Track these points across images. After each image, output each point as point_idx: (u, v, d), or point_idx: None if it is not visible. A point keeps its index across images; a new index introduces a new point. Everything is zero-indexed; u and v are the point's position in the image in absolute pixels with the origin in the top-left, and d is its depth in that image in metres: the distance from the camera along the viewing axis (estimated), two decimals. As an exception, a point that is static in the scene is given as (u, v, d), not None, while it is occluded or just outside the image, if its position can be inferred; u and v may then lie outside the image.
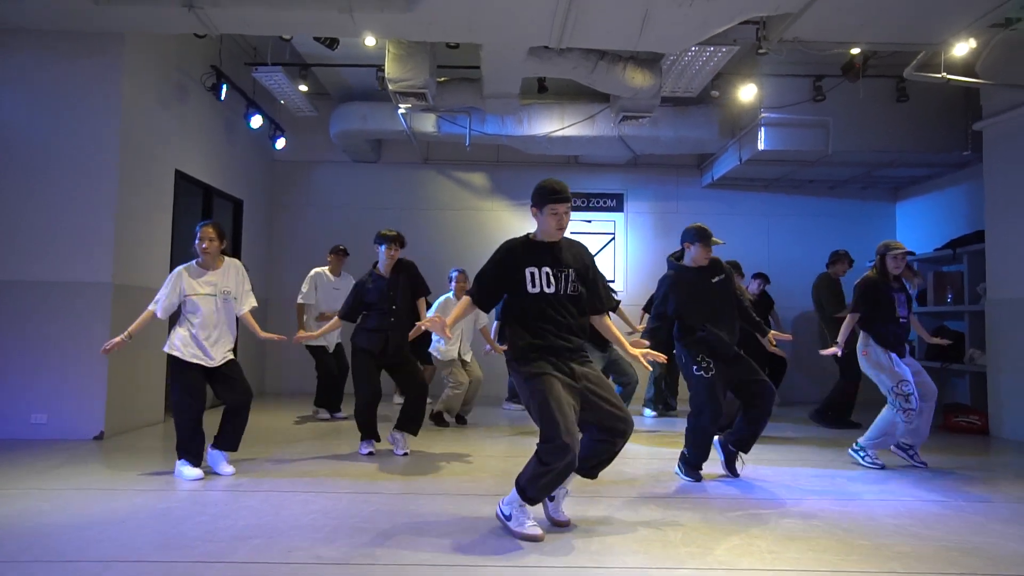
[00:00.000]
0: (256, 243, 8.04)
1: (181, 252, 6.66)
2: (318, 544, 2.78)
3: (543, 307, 2.98)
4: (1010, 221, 5.92)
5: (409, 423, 4.69)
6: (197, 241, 4.00)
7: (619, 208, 8.81)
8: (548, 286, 2.98)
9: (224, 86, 6.31)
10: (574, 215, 8.70)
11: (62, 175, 5.14)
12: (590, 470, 3.06)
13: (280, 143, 7.79)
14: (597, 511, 3.39)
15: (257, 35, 6.48)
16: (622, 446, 3.02)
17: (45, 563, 2.54)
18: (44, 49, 5.15)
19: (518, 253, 3.06)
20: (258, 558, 2.61)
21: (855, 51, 5.25)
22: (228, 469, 3.98)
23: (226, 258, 4.14)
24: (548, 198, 3.03)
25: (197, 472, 3.84)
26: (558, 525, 3.07)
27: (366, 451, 4.66)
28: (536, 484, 2.87)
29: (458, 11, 4.43)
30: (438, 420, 5.96)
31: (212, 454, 4.01)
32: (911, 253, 4.51)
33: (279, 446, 4.92)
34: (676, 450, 4.45)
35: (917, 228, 8.40)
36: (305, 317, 6.24)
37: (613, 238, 8.82)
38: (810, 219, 8.69)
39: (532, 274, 2.97)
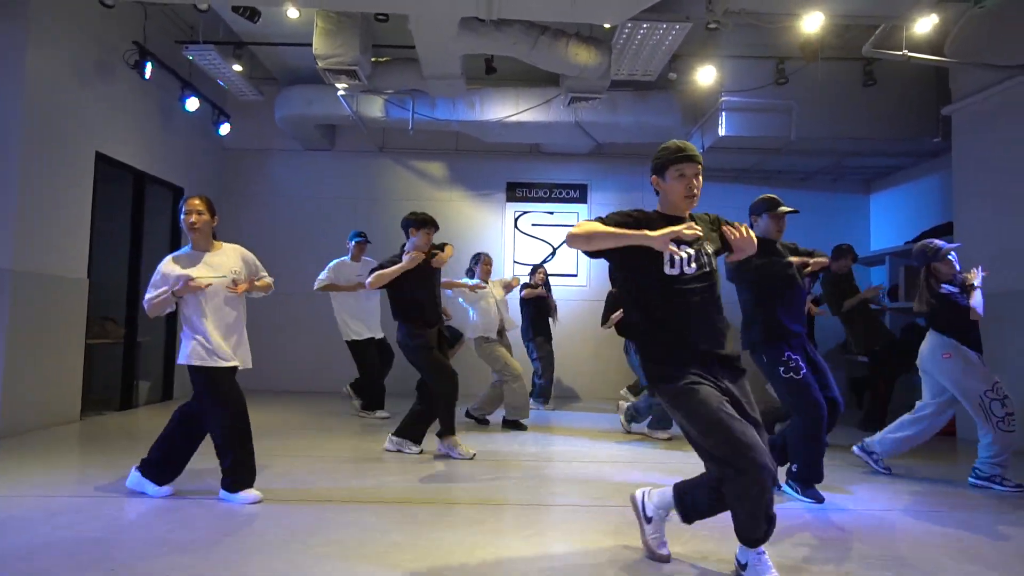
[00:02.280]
0: (199, 233, 7.67)
1: (114, 241, 6.34)
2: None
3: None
4: (977, 210, 5.60)
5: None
6: (183, 216, 3.27)
7: (583, 199, 8.47)
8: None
9: (148, 63, 5.93)
10: (535, 207, 8.49)
11: (-41, 153, 4.78)
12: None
13: (224, 128, 7.43)
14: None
15: (177, 5, 6.09)
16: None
17: None
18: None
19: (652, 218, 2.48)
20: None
21: (810, 26, 4.90)
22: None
23: (224, 243, 3.44)
24: (673, 157, 2.47)
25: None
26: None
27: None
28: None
29: (373, -25, 4.09)
30: (516, 426, 5.54)
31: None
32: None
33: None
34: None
35: (891, 221, 8.08)
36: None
37: (576, 230, 8.47)
38: (781, 212, 8.35)
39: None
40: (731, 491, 2.23)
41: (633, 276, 2.45)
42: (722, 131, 6.59)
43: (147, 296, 3.23)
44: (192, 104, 6.64)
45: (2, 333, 4.73)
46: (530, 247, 8.38)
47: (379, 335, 6.17)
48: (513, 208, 8.45)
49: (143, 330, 6.56)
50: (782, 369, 3.37)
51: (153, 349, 6.91)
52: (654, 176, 2.56)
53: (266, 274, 3.53)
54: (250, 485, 3.23)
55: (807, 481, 3.43)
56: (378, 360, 6.12)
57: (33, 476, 3.60)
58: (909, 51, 5.02)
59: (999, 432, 3.78)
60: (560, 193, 8.47)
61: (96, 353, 5.99)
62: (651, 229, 2.34)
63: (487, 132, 7.40)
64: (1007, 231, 5.25)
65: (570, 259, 8.40)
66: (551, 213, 8.46)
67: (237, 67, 6.49)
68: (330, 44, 5.22)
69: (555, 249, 8.38)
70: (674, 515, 2.52)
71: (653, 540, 2.54)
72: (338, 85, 5.94)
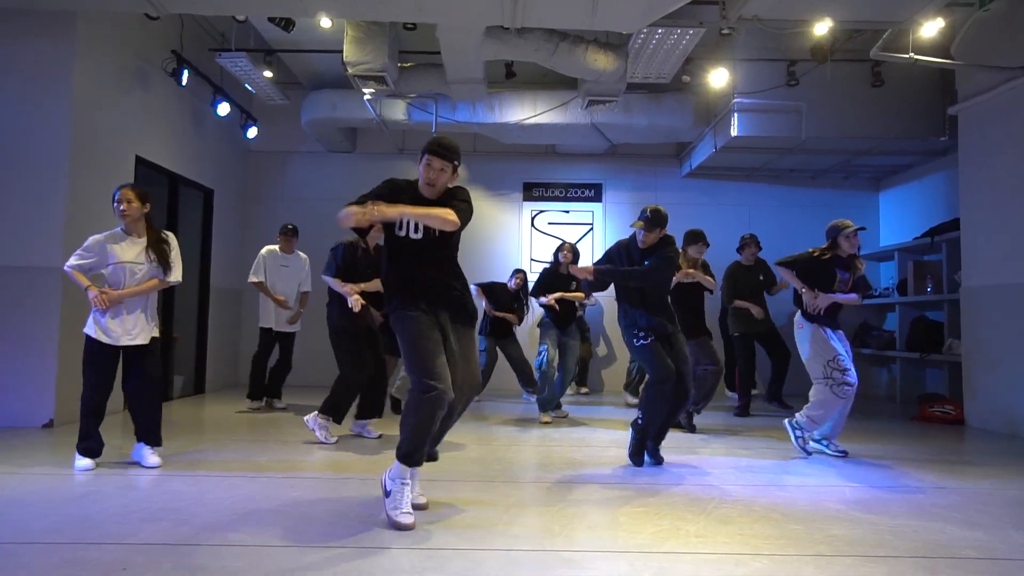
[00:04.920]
0: (228, 233, 7.96)
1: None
2: (227, 527, 2.68)
3: None
4: (984, 207, 5.79)
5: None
6: (115, 204, 3.64)
7: (597, 198, 8.70)
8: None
9: (185, 71, 6.22)
10: (549, 205, 8.73)
11: (11, 158, 5.05)
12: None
13: (252, 132, 7.71)
14: (525, 493, 3.28)
15: (206, 15, 6.35)
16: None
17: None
18: (-4, 31, 5.08)
19: None
20: (159, 539, 2.52)
21: (820, 31, 5.12)
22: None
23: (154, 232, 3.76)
24: (424, 148, 2.94)
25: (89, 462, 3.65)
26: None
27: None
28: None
29: (405, -12, 4.34)
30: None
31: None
32: (863, 228, 4.32)
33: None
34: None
35: (900, 218, 8.26)
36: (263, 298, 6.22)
37: (591, 228, 8.71)
38: (792, 209, 8.54)
39: None
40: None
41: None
42: (734, 131, 6.80)
43: (72, 262, 3.62)
44: (223, 109, 6.92)
45: (55, 329, 5.02)
46: (547, 245, 8.61)
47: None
48: (530, 207, 8.69)
49: (176, 327, 6.85)
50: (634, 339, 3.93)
51: (185, 345, 7.20)
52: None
53: (171, 273, 3.74)
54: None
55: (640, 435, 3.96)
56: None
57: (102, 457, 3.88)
58: (915, 54, 5.22)
59: (829, 392, 4.18)
60: (575, 192, 8.70)
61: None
62: (404, 197, 2.85)
63: (505, 134, 7.64)
64: (1014, 226, 5.43)
65: (586, 255, 8.62)
66: (567, 212, 8.69)
67: (268, 73, 6.76)
68: (360, 51, 5.47)
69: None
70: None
71: (392, 512, 2.70)
72: (365, 90, 6.19)
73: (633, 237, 4.11)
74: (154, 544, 2.47)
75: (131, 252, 3.67)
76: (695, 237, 5.21)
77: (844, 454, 4.30)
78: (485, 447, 4.52)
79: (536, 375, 5.87)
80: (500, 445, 4.60)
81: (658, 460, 4.02)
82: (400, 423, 2.81)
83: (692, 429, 5.13)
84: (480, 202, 8.63)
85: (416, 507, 2.89)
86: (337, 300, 4.63)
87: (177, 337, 6.88)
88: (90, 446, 3.69)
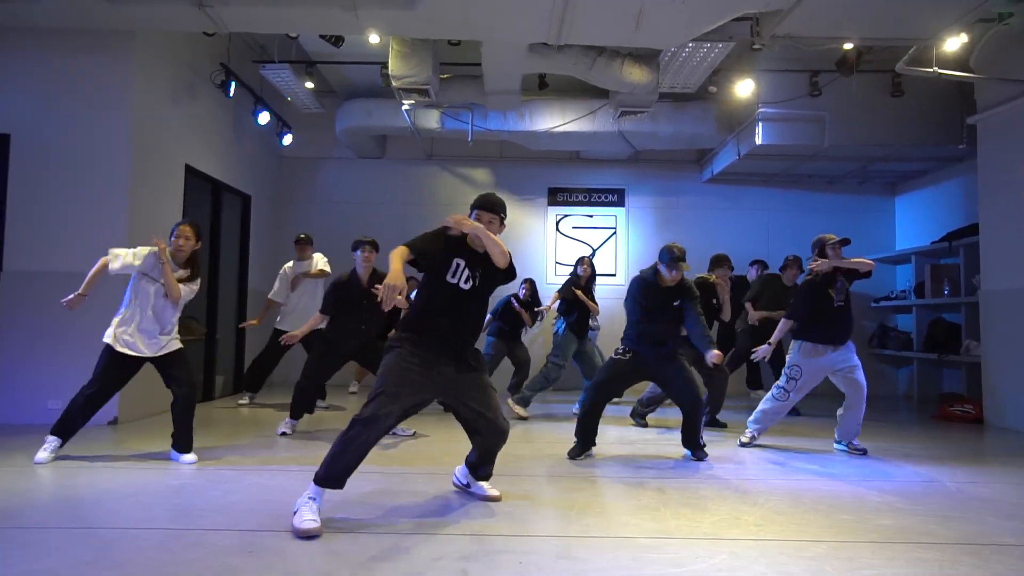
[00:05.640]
0: (263, 238, 8.20)
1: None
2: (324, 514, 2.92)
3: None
4: (1003, 213, 6.01)
5: None
6: (173, 239, 4.02)
7: (620, 203, 8.93)
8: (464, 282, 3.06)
9: (233, 83, 6.46)
10: (575, 210, 8.97)
11: (77, 169, 5.30)
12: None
13: (287, 139, 7.95)
14: (587, 487, 3.52)
15: (264, 33, 6.61)
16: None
17: (69, 530, 2.69)
18: (58, 47, 5.31)
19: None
20: (269, 527, 2.75)
21: (848, 46, 5.35)
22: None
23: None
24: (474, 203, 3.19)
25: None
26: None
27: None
28: None
29: (457, 9, 4.56)
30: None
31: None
32: (847, 242, 4.50)
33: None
34: (711, 434, 4.56)
35: (916, 222, 8.48)
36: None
37: (615, 232, 8.94)
38: (809, 214, 8.77)
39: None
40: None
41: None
42: (759, 140, 7.03)
43: (115, 265, 3.92)
44: (264, 118, 7.16)
45: (118, 331, 5.25)
46: (571, 249, 8.85)
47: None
48: (554, 212, 8.93)
49: (218, 329, 7.08)
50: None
51: (225, 345, 7.44)
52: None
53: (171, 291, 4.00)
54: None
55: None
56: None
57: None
58: (938, 67, 5.44)
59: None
60: (599, 197, 8.93)
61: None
62: (456, 248, 3.09)
63: (534, 141, 7.88)
64: (1031, 233, 5.65)
65: (608, 259, 8.86)
66: (590, 216, 8.92)
67: (309, 84, 7.00)
68: (405, 65, 5.71)
69: (595, 250, 8.84)
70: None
71: (296, 523, 2.69)
72: (405, 101, 6.42)
73: (653, 272, 4.28)
74: (266, 531, 2.70)
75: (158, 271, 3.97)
76: (719, 261, 5.50)
77: (863, 452, 4.53)
78: (536, 444, 4.75)
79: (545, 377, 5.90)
80: (545, 442, 4.83)
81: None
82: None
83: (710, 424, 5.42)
84: (506, 206, 8.87)
85: (489, 498, 3.19)
86: (334, 320, 4.94)
87: (218, 339, 7.11)
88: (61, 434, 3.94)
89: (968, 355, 6.69)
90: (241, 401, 6.59)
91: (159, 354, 4.01)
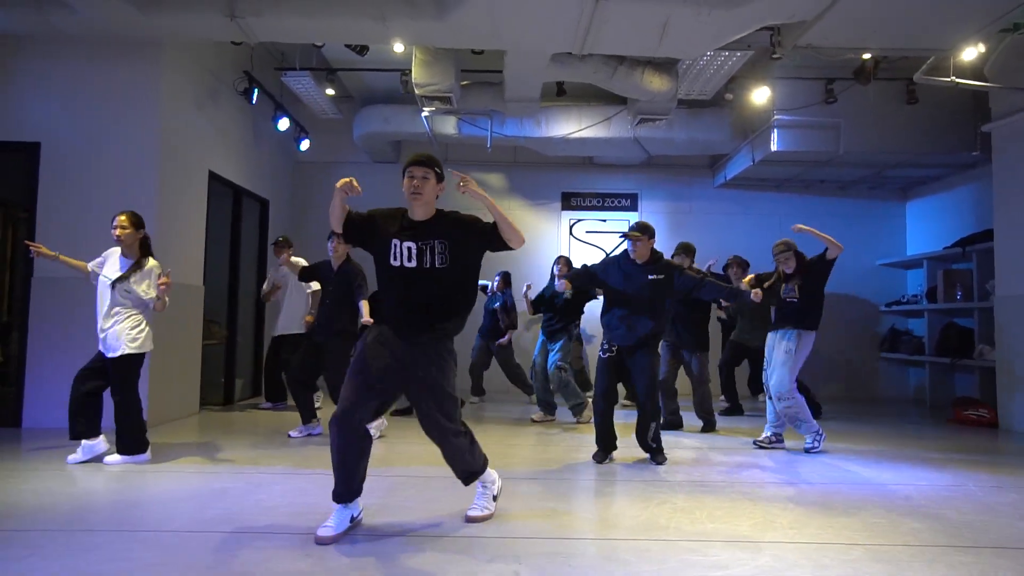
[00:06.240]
0: (281, 242, 8.26)
1: (216, 250, 6.92)
2: (374, 516, 2.99)
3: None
4: (1018, 219, 6.09)
5: None
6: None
7: (633, 207, 9.00)
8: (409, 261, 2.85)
9: (256, 90, 6.54)
10: (588, 215, 9.04)
11: (106, 175, 5.37)
12: None
13: (304, 145, 8.01)
14: (629, 490, 3.59)
15: (291, 42, 6.68)
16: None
17: (132, 533, 2.76)
18: (87, 56, 5.39)
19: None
20: (314, 530, 2.82)
21: (866, 56, 5.42)
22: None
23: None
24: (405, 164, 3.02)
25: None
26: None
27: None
28: None
29: (487, 20, 4.64)
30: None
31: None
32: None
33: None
34: (734, 439, 4.64)
35: (927, 227, 8.55)
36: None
37: (627, 237, 9.00)
38: (821, 219, 8.77)
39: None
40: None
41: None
42: (774, 147, 7.11)
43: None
44: (283, 124, 7.23)
45: (147, 335, 5.32)
46: (585, 253, 8.92)
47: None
48: (568, 216, 9.00)
49: (238, 332, 7.16)
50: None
51: (244, 349, 7.51)
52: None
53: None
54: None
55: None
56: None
57: (213, 456, 4.19)
58: (956, 77, 5.52)
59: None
60: (612, 202, 9.00)
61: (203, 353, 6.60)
62: (392, 223, 2.96)
63: (550, 147, 7.95)
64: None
65: (622, 264, 8.93)
66: (604, 220, 8.99)
67: (330, 91, 7.08)
68: (429, 73, 5.78)
69: (608, 254, 8.91)
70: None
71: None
72: (426, 108, 6.50)
73: (624, 254, 4.40)
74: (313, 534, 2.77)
75: (112, 269, 4.12)
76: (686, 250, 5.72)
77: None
78: (559, 448, 4.83)
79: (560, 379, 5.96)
80: (568, 448, 4.90)
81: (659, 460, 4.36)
82: None
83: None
84: (520, 211, 8.95)
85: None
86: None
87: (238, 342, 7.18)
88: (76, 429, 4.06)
89: (982, 359, 6.76)
90: (265, 406, 6.68)
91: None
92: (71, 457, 4.03)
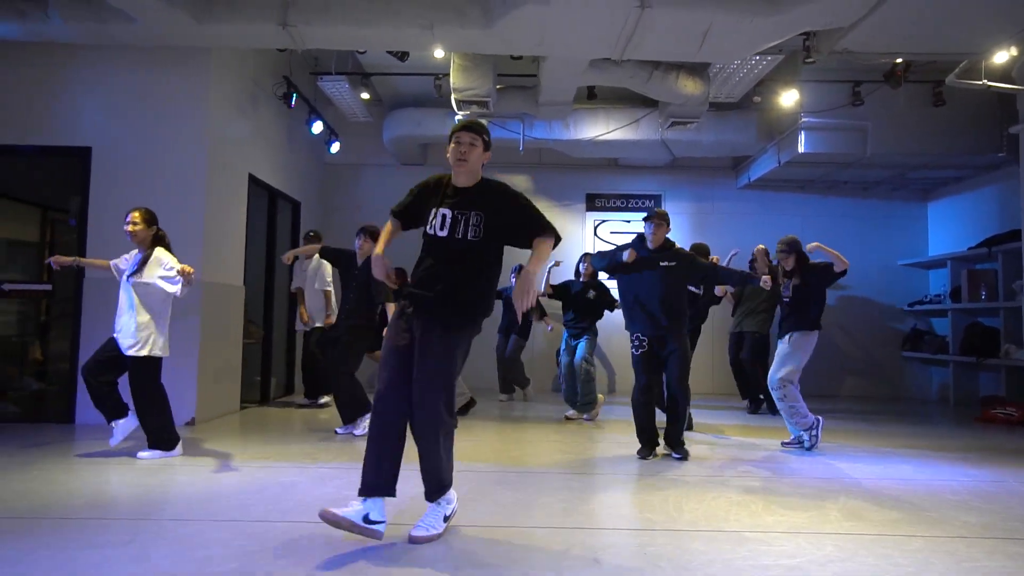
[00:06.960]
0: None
1: (252, 251, 7.06)
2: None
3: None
4: (1046, 221, 6.18)
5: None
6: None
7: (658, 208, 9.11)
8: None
9: (294, 95, 6.67)
10: (612, 215, 9.16)
11: (155, 180, 5.49)
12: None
13: (335, 147, 8.15)
14: (681, 485, 3.72)
15: (338, 49, 6.80)
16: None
17: (219, 523, 2.89)
18: (137, 64, 5.53)
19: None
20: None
21: (898, 60, 5.52)
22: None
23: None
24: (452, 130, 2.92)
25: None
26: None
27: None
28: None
29: (533, 28, 4.75)
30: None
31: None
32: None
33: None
34: (761, 439, 4.75)
35: (949, 228, 8.63)
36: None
37: (651, 238, 9.11)
38: (843, 219, 8.93)
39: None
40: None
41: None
42: (801, 148, 7.20)
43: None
44: (317, 127, 7.37)
45: (196, 337, 5.46)
46: (609, 253, 9.04)
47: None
48: (592, 217, 9.12)
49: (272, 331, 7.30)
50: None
51: (277, 347, 7.64)
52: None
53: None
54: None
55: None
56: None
57: (267, 449, 4.33)
58: (987, 80, 5.61)
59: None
60: (636, 203, 9.11)
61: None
62: (433, 198, 2.84)
63: (578, 149, 8.06)
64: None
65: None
66: (628, 221, 9.10)
67: (364, 95, 7.21)
68: (467, 79, 5.91)
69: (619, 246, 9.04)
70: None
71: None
72: (460, 112, 6.63)
73: (640, 238, 4.62)
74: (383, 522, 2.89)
75: (130, 266, 4.28)
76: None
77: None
78: (604, 445, 4.94)
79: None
80: (612, 443, 5.02)
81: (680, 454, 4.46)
82: None
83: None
84: (545, 212, 8.95)
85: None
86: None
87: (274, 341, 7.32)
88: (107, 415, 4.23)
89: (1008, 359, 6.85)
90: (301, 403, 6.83)
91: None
92: (111, 440, 4.19)
